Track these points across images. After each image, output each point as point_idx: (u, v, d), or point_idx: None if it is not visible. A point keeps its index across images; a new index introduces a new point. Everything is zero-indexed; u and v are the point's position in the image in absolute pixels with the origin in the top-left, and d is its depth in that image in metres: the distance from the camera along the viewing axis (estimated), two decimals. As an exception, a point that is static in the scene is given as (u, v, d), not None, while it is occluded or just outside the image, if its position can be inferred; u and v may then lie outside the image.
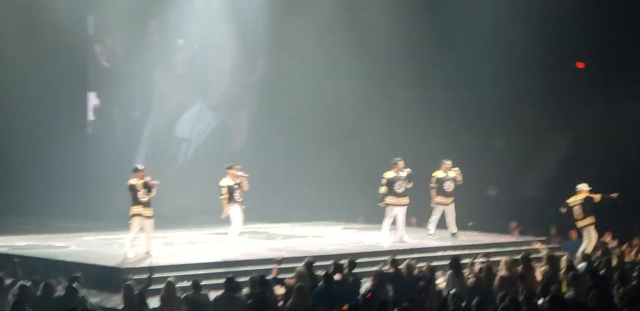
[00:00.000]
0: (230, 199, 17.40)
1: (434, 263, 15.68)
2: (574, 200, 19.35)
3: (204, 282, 13.72)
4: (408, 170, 19.36)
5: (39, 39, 23.28)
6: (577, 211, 19.29)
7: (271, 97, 27.00)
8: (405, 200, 19.37)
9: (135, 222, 16.81)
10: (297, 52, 26.54)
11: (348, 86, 25.76)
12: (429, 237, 20.02)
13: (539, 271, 15.57)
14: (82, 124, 24.18)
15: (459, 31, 25.14)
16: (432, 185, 20.11)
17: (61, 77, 23.55)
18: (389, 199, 19.30)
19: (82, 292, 13.34)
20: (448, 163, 20.21)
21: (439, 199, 20.07)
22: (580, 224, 19.36)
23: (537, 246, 19.09)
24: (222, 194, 17.39)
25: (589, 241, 19.13)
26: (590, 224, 19.27)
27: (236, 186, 17.45)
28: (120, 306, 13.50)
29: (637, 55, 23.69)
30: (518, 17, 24.49)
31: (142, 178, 16.87)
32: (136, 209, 16.80)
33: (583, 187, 19.43)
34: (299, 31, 26.26)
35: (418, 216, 22.38)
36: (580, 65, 25.31)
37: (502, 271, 14.79)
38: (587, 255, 16.55)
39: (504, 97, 25.13)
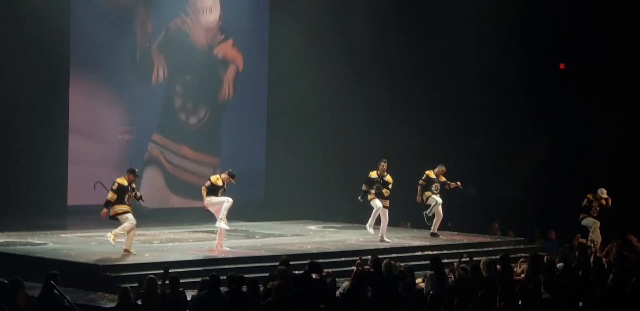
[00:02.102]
0: (210, 193, 17.41)
1: (413, 263, 15.69)
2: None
3: (183, 280, 13.66)
4: (388, 177, 19.43)
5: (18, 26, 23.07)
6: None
7: (252, 95, 26.96)
8: (387, 202, 19.41)
9: (126, 217, 16.70)
10: (280, 51, 26.57)
11: (331, 84, 25.80)
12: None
13: (520, 271, 15.62)
14: (61, 120, 23.98)
15: (443, 33, 25.22)
16: (421, 182, 20.17)
17: (41, 74, 23.38)
18: (371, 196, 19.35)
19: (60, 289, 13.26)
20: (443, 168, 20.32)
21: (429, 194, 20.13)
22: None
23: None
24: (204, 185, 17.43)
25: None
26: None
27: (220, 187, 17.51)
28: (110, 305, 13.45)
29: (620, 55, 23.75)
30: (501, 17, 24.53)
31: (131, 181, 16.82)
32: (123, 207, 16.70)
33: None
34: (283, 30, 26.32)
35: (412, 219, 22.54)
36: (562, 66, 25.35)
37: (481, 271, 14.78)
38: (565, 256, 16.59)
39: (485, 98, 25.19)
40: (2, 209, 22.72)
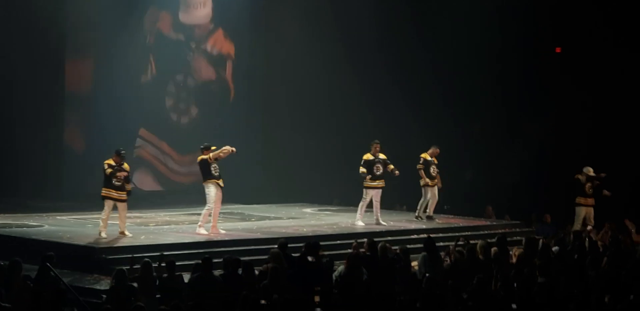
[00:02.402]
0: (206, 175, 17.37)
1: (409, 246, 15.70)
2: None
3: (178, 263, 13.67)
4: (383, 155, 19.42)
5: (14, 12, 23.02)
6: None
7: (248, 81, 26.92)
8: (382, 183, 19.42)
9: (109, 203, 16.71)
10: (278, 37, 26.52)
11: (328, 69, 25.73)
12: (419, 219, 20.18)
13: (515, 255, 15.65)
14: (57, 102, 23.95)
15: (440, 18, 25.11)
16: (420, 166, 20.20)
17: (39, 57, 23.34)
18: (367, 182, 19.35)
19: (55, 272, 13.28)
20: (437, 149, 20.36)
21: (427, 180, 20.18)
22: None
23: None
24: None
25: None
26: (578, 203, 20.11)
27: (213, 162, 17.36)
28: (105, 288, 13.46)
29: (614, 39, 23.71)
30: (498, 2, 24.48)
31: (119, 162, 16.78)
32: (108, 191, 16.69)
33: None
34: (280, 16, 26.28)
35: (407, 203, 22.56)
36: (558, 50, 25.31)
37: (477, 255, 14.81)
38: (561, 239, 16.63)
39: (484, 81, 25.15)
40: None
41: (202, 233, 17.40)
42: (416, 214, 20.46)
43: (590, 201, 20.16)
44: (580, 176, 20.18)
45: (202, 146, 17.69)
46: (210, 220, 17.56)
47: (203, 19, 26.33)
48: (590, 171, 20.19)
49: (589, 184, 20.07)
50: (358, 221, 19.39)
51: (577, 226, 19.72)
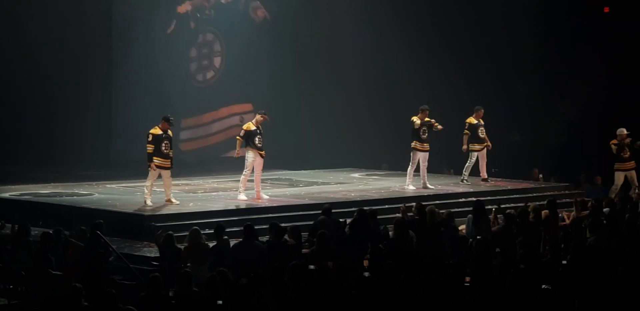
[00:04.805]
0: (249, 143, 17.38)
1: (456, 210, 15.65)
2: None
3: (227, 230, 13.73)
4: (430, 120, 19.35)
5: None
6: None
7: (295, 45, 26.85)
8: (427, 146, 19.35)
9: (155, 171, 16.77)
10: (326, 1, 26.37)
11: (376, 31, 25.60)
12: (464, 183, 20.09)
13: (566, 217, 15.55)
14: (107, 74, 24.14)
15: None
16: (466, 131, 20.10)
17: (85, 32, 23.51)
18: (414, 144, 19.28)
19: (105, 239, 13.40)
20: (482, 111, 20.22)
21: (474, 146, 20.08)
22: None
23: None
24: (238, 135, 17.45)
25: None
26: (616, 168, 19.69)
27: (258, 131, 17.40)
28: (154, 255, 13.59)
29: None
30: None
31: (166, 129, 16.83)
32: (157, 160, 16.73)
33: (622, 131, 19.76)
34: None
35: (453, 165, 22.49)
36: (607, 9, 24.95)
37: (526, 218, 14.71)
38: (611, 200, 16.47)
39: (528, 43, 24.90)
40: (49, 160, 23.01)
41: (242, 198, 17.44)
42: (462, 177, 20.37)
43: (629, 165, 19.83)
44: (613, 143, 19.83)
45: (258, 112, 17.72)
46: (250, 186, 17.60)
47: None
48: (623, 131, 19.82)
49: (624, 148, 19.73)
50: (409, 185, 19.33)
51: (612, 192, 19.38)
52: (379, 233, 13.94)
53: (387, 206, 17.16)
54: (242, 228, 13.41)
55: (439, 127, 19.24)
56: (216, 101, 26.27)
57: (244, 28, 26.38)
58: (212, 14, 25.94)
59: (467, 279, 11.47)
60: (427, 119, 19.31)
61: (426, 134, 19.28)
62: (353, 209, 15.26)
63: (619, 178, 19.73)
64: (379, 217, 14.73)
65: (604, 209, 15.48)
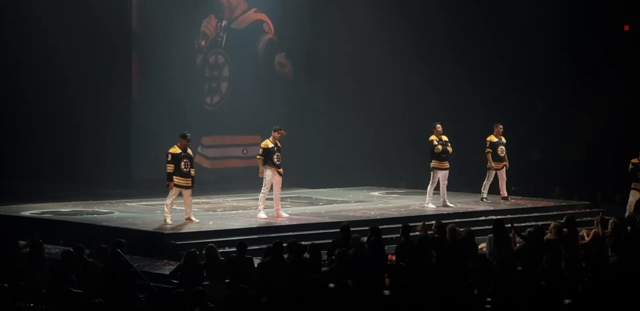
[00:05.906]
0: (267, 161, 17.40)
1: (476, 228, 15.61)
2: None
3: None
4: (445, 137, 19.33)
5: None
6: None
7: (312, 60, 26.87)
8: (447, 164, 19.33)
9: (175, 190, 16.78)
10: (343, 15, 26.36)
11: (392, 49, 25.63)
12: (484, 201, 20.04)
13: (585, 235, 15.48)
14: (127, 93, 24.22)
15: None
16: (488, 150, 20.09)
17: (104, 46, 23.64)
18: (434, 163, 19.27)
19: (126, 257, 13.42)
20: (500, 127, 20.19)
21: (492, 164, 20.07)
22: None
23: None
24: (258, 154, 17.46)
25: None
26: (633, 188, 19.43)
27: (275, 149, 17.43)
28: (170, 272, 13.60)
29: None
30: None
31: (184, 147, 16.85)
32: (177, 179, 16.71)
33: None
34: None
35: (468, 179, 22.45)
36: (627, 27, 24.94)
37: (549, 235, 14.67)
38: (632, 219, 16.39)
39: (547, 60, 24.89)
40: (69, 179, 23.08)
41: (262, 217, 17.46)
42: (481, 196, 20.32)
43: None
44: (633, 162, 19.65)
45: (273, 128, 17.73)
46: (270, 204, 17.62)
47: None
48: None
49: None
50: (429, 203, 19.31)
51: (627, 210, 19.21)
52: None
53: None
54: (262, 246, 13.41)
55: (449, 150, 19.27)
56: (238, 123, 26.13)
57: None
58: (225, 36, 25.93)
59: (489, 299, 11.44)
60: (442, 136, 19.30)
61: (445, 153, 19.29)
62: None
63: (633, 197, 19.60)
64: (397, 235, 14.70)
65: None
